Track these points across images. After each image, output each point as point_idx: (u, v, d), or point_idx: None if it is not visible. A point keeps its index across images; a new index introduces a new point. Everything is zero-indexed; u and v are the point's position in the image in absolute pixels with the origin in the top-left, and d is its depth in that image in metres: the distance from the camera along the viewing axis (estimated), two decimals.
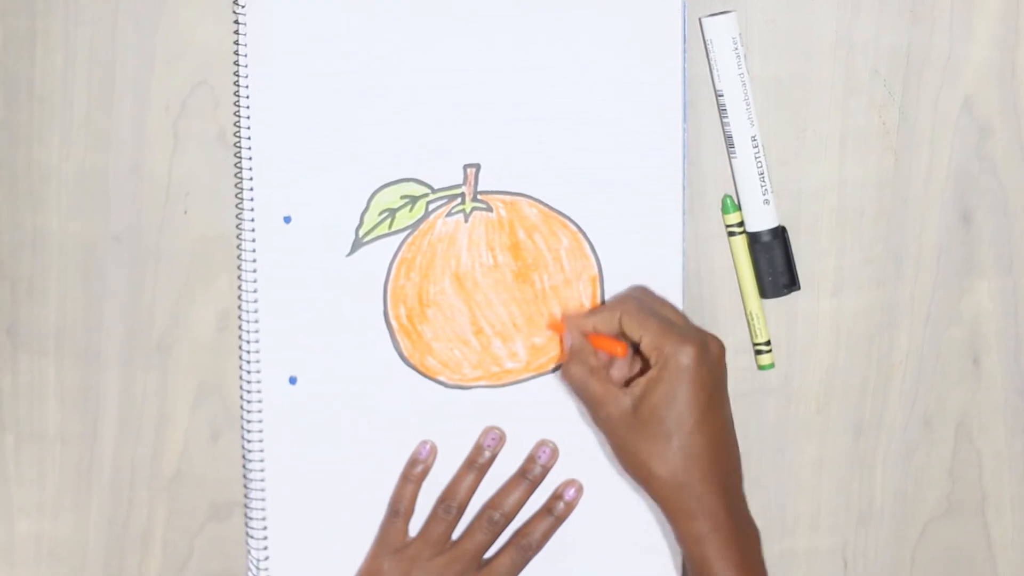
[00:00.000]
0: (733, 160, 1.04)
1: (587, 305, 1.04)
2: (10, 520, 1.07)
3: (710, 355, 0.96)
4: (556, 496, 1.05)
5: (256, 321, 1.04)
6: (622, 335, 0.99)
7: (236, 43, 1.04)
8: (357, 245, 1.04)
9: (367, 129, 1.03)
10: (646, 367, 0.98)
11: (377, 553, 1.04)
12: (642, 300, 0.99)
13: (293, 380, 1.04)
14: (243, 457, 1.06)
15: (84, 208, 1.05)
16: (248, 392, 1.05)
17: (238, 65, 1.04)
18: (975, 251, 1.05)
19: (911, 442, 1.06)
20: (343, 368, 1.04)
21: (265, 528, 1.05)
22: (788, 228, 1.04)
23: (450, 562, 1.03)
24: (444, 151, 1.04)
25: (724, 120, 1.03)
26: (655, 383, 0.95)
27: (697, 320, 1.05)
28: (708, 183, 1.05)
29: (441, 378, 1.05)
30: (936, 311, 1.06)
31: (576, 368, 0.99)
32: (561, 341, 1.03)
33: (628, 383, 0.98)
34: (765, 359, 1.05)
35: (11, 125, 1.05)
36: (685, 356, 0.95)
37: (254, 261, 1.04)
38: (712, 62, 1.03)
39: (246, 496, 1.06)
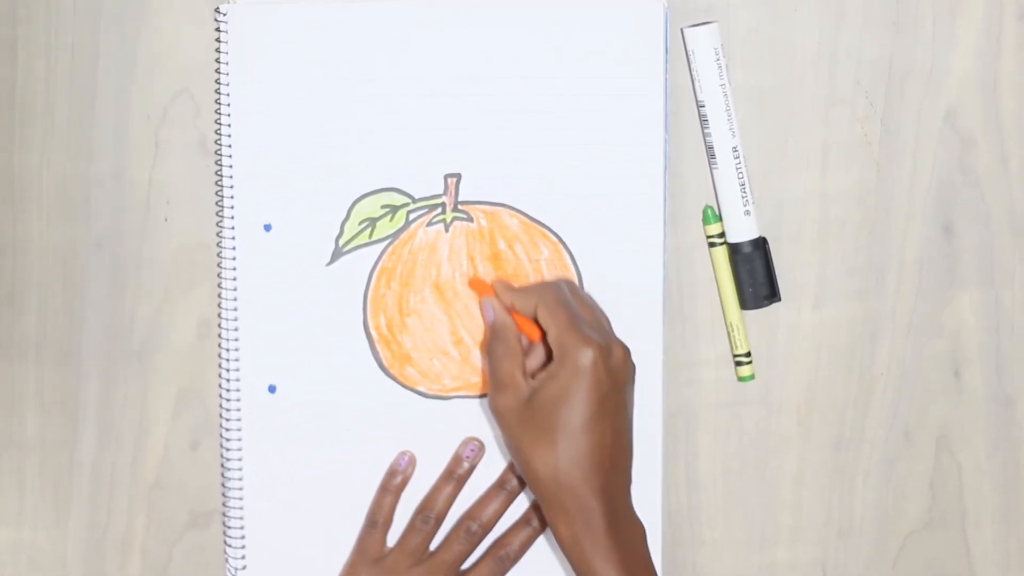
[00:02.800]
0: (714, 171, 1.03)
1: None
2: None
3: (611, 359, 0.95)
4: (535, 506, 1.05)
5: (236, 329, 1.04)
6: (536, 321, 0.98)
7: (217, 51, 1.03)
8: (337, 254, 1.04)
9: (348, 138, 1.03)
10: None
11: (354, 563, 1.04)
12: (562, 291, 0.98)
13: (272, 389, 1.04)
14: (222, 466, 1.05)
15: (65, 215, 1.05)
16: (227, 400, 1.05)
17: (219, 73, 1.03)
18: (957, 263, 1.05)
19: (892, 455, 1.06)
20: (322, 377, 1.04)
21: (243, 537, 1.05)
22: (769, 239, 1.04)
23: (427, 573, 1.02)
24: (425, 161, 1.03)
25: (705, 131, 1.03)
26: (551, 379, 0.95)
27: (679, 331, 1.05)
28: (689, 194, 1.05)
29: (420, 388, 1.05)
30: (917, 323, 1.05)
31: (499, 347, 0.98)
32: (480, 301, 1.03)
33: (534, 375, 0.98)
34: (745, 371, 1.05)
35: None
36: (584, 357, 0.94)
37: (234, 269, 1.04)
38: (694, 72, 1.03)
39: (225, 504, 1.05)
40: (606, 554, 0.94)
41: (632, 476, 0.98)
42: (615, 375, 0.95)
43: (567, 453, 0.94)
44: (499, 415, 0.97)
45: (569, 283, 1.01)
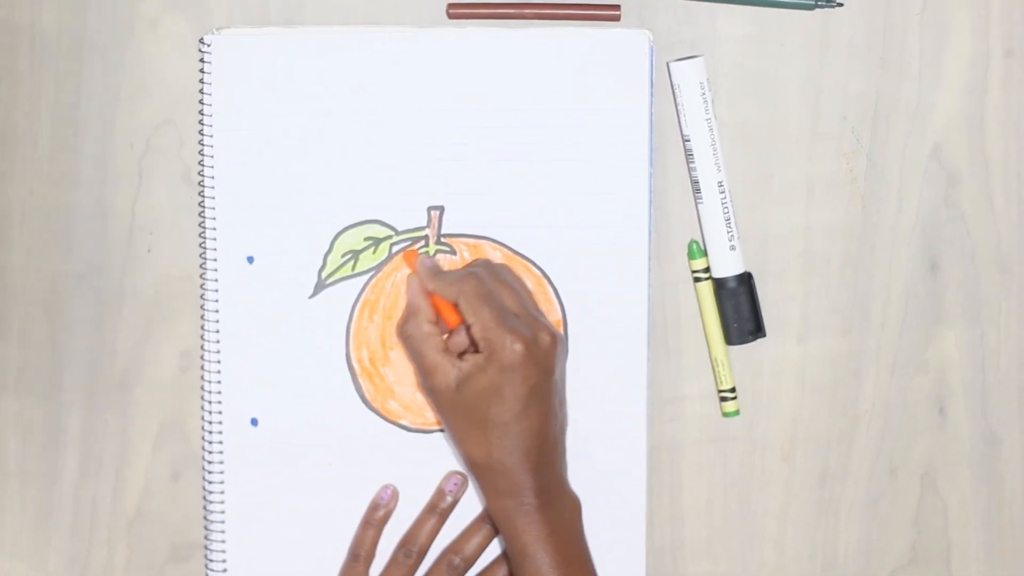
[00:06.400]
0: (700, 205, 1.03)
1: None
2: None
3: (538, 350, 0.95)
4: None
5: (218, 362, 1.04)
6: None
7: (201, 82, 1.03)
8: (320, 287, 1.04)
9: (331, 170, 1.03)
10: None
11: None
12: (483, 283, 0.98)
13: (255, 422, 1.04)
14: (204, 498, 1.05)
15: (47, 245, 1.05)
16: (209, 433, 1.04)
17: (203, 104, 1.03)
18: (942, 300, 1.05)
19: (876, 491, 1.06)
20: (304, 411, 1.04)
21: (225, 571, 1.05)
22: (754, 274, 1.04)
23: None
24: (408, 193, 1.03)
25: (691, 165, 1.03)
26: (479, 372, 0.95)
27: (663, 366, 1.04)
28: (674, 228, 1.04)
29: (403, 422, 1.04)
30: (902, 360, 1.05)
31: (410, 328, 0.99)
32: (408, 277, 1.03)
33: (463, 354, 0.98)
34: (730, 406, 1.04)
35: None
36: (510, 354, 0.94)
37: (217, 301, 1.04)
38: (679, 107, 1.02)
39: (206, 538, 1.05)
40: (536, 529, 0.96)
41: (566, 446, 1.00)
42: (543, 365, 0.96)
43: (498, 443, 0.95)
44: (430, 396, 0.99)
45: (488, 266, 1.00)
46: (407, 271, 1.03)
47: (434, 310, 1.00)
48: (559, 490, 0.98)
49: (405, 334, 1.00)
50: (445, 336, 1.00)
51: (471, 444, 0.97)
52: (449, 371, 0.97)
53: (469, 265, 1.02)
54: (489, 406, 0.95)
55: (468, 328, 0.97)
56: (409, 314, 1.01)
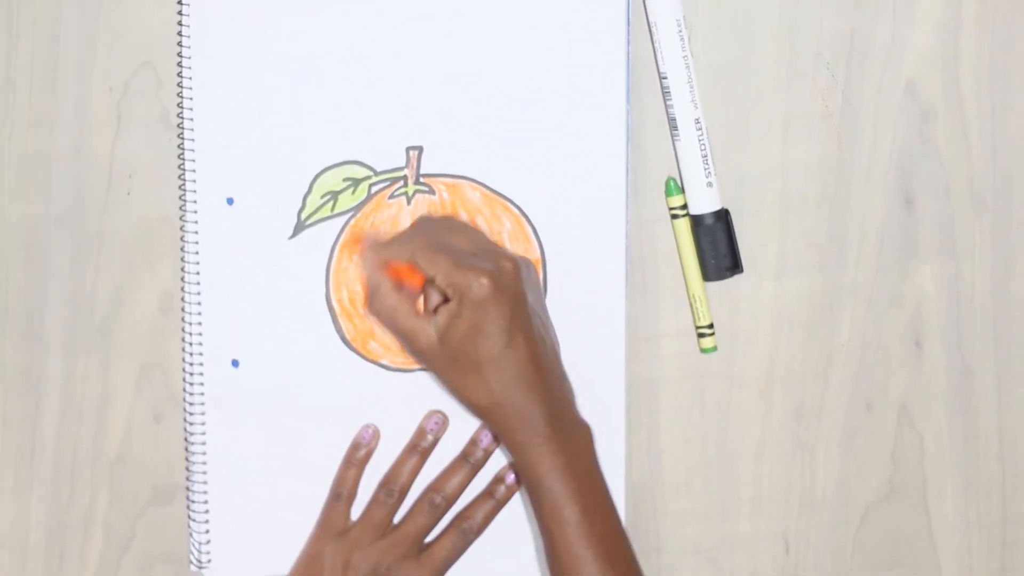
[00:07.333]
0: (676, 143, 1.04)
1: None
2: None
3: (504, 278, 0.96)
4: (498, 479, 1.05)
5: (199, 303, 1.04)
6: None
7: (180, 24, 1.03)
8: (300, 228, 1.04)
9: (310, 111, 1.03)
10: None
11: (319, 536, 1.04)
12: (431, 232, 0.98)
13: (236, 363, 1.04)
14: (185, 440, 1.05)
15: (26, 189, 1.05)
16: (190, 375, 1.04)
17: (181, 46, 1.03)
18: (917, 235, 1.06)
19: (853, 426, 1.07)
20: (285, 352, 1.04)
21: (207, 511, 1.05)
22: (731, 211, 1.04)
23: (391, 545, 1.03)
24: (387, 133, 1.03)
25: (668, 103, 1.03)
26: (456, 318, 0.95)
27: (641, 303, 1.05)
28: (651, 166, 1.05)
29: (384, 362, 1.05)
30: (878, 295, 1.06)
31: (377, 305, 0.99)
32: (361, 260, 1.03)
33: (436, 308, 0.98)
34: (707, 342, 1.05)
35: None
36: (479, 288, 0.95)
37: (197, 243, 1.04)
38: (656, 44, 1.03)
39: (188, 479, 1.05)
40: (550, 459, 0.96)
41: (564, 370, 1.00)
42: (513, 291, 0.96)
43: (497, 379, 0.96)
44: (420, 359, 0.99)
45: (431, 219, 1.02)
46: (387, 211, 1.04)
47: (393, 279, 0.99)
48: (570, 417, 0.98)
49: (374, 311, 0.99)
50: (419, 299, 1.01)
51: (471, 390, 0.97)
52: (427, 329, 0.97)
53: (413, 225, 1.02)
54: (476, 346, 0.95)
55: (433, 281, 0.98)
56: (372, 292, 1.00)
